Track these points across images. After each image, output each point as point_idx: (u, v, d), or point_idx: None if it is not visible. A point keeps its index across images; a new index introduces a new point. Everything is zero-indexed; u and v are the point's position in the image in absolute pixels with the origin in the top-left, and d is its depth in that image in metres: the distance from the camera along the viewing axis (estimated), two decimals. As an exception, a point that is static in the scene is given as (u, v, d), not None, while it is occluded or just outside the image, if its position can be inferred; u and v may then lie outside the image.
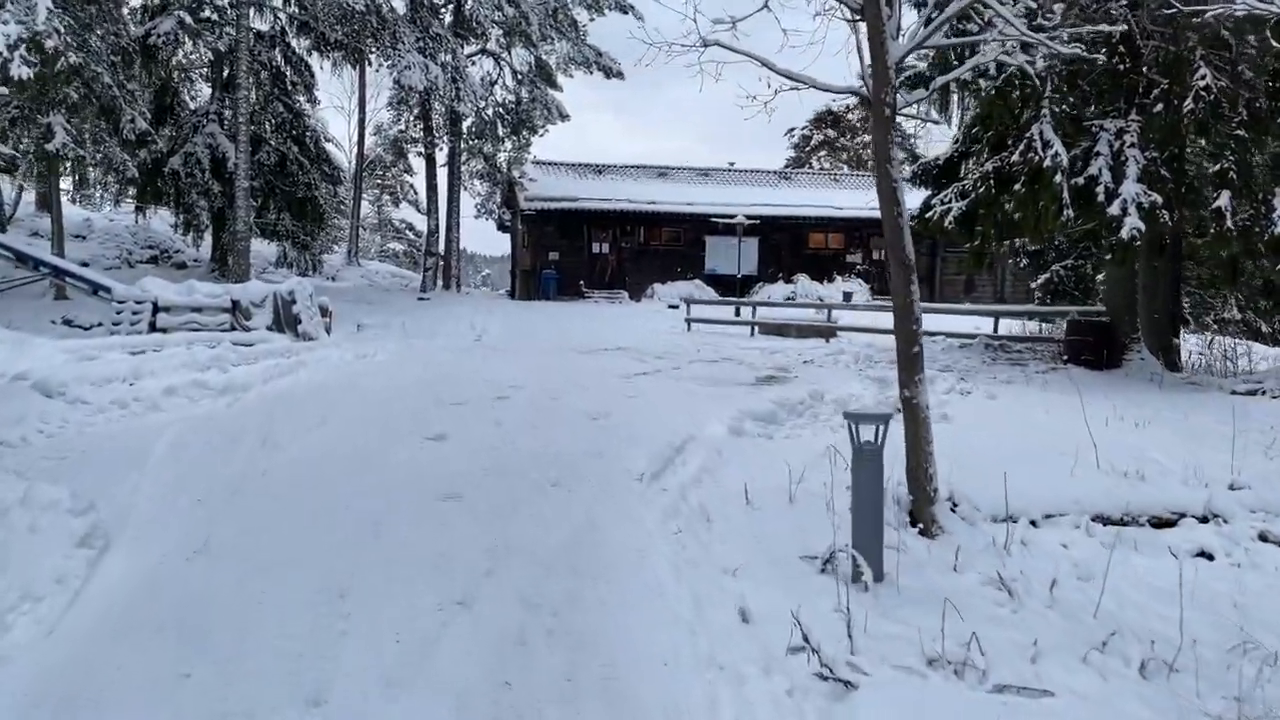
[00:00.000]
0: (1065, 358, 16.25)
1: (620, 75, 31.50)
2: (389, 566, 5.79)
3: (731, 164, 38.55)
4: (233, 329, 18.53)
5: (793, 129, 48.62)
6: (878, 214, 28.83)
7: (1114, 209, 13.99)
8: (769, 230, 33.06)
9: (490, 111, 30.87)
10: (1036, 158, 13.93)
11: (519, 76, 31.17)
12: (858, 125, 47.57)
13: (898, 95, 7.41)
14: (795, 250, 34.29)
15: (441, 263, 33.25)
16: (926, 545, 6.64)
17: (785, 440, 9.88)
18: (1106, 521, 7.84)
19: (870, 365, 16.83)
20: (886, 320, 22.60)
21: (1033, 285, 22.39)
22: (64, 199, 37.18)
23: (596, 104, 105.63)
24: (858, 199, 35.73)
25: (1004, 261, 36.04)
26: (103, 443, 8.27)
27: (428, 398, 11.77)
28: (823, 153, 47.76)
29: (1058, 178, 13.68)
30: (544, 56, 31.14)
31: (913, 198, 31.71)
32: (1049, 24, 7.92)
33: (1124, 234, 13.73)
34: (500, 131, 30.87)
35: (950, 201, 16.16)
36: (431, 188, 32.31)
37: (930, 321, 21.96)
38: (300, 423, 9.64)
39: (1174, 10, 9.09)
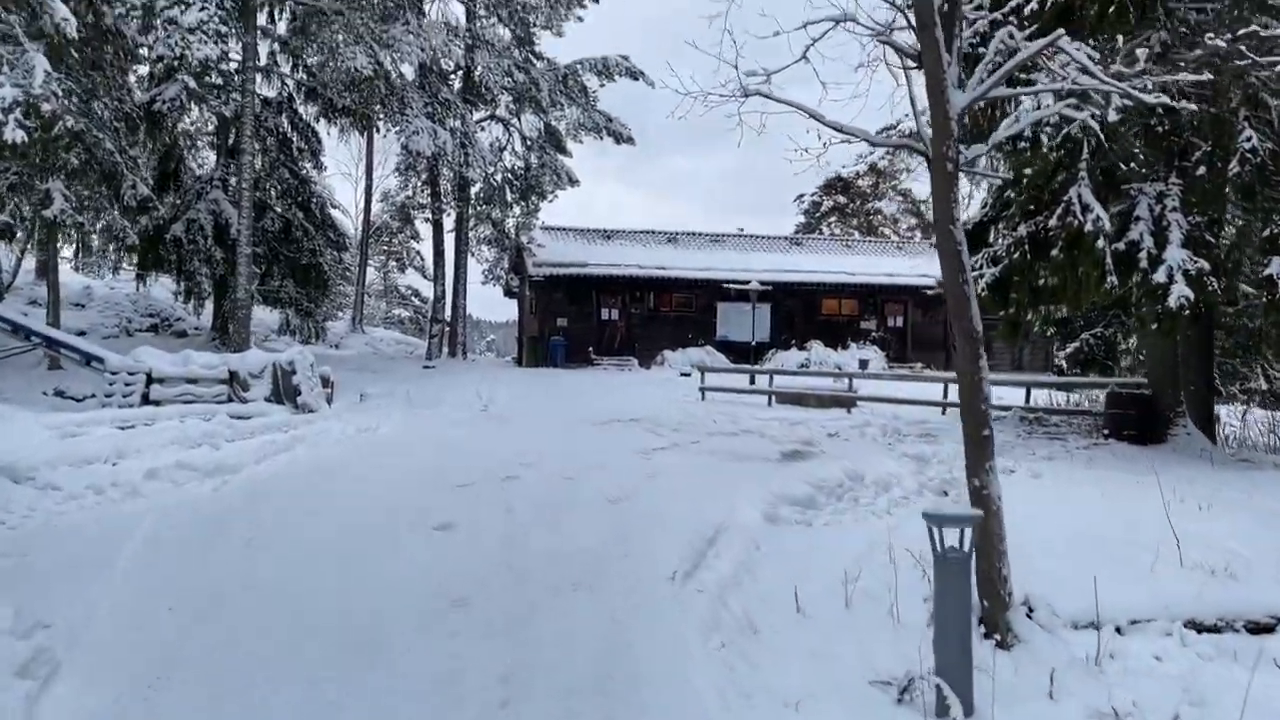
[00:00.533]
0: (1106, 432, 15.37)
1: (630, 141, 31.12)
2: (388, 696, 4.91)
3: (741, 229, 38.05)
4: (229, 400, 17.78)
5: (802, 195, 48.41)
6: (892, 280, 28.47)
7: (1159, 276, 13.25)
8: (781, 296, 32.43)
9: (499, 177, 30.41)
10: (1076, 222, 13.23)
11: (528, 142, 30.77)
12: (867, 192, 47.26)
13: (959, 150, 6.64)
14: (808, 316, 33.60)
15: (447, 329, 32.56)
16: (1012, 663, 5.72)
17: (825, 528, 8.99)
18: (1200, 628, 6.92)
19: (900, 439, 15.96)
20: (909, 390, 21.88)
21: (1060, 355, 21.59)
22: (66, 266, 36.71)
23: (601, 171, 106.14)
24: (871, 265, 35.23)
25: (1025, 328, 35.40)
26: (69, 537, 7.40)
27: (432, 478, 10.92)
28: (833, 219, 47.33)
29: (1100, 243, 12.96)
30: (554, 123, 30.79)
31: (937, 264, 31.14)
32: (1129, 71, 7.22)
33: (1171, 302, 12.97)
34: (509, 197, 30.37)
35: (982, 268, 15.44)
36: (438, 253, 31.75)
37: (956, 393, 21.20)
38: (291, 510, 8.78)
39: (1248, 61, 8.40)
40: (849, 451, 14.16)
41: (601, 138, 30.96)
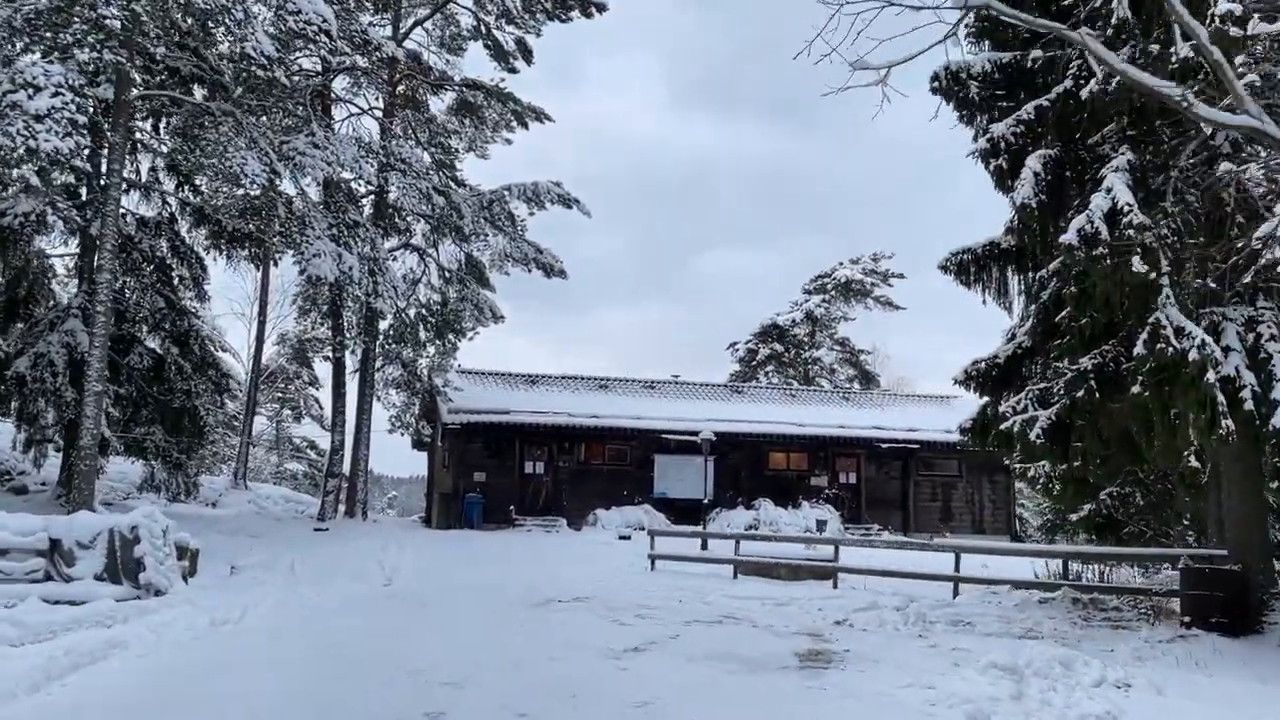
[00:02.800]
0: (1187, 619, 12.12)
1: (562, 274, 28.00)
2: None
3: (676, 376, 35.00)
4: (48, 579, 13.43)
5: (736, 343, 45.75)
6: (844, 432, 24.85)
7: (1279, 419, 10.34)
8: (725, 449, 28.89)
9: (412, 312, 26.83)
10: (1169, 350, 10.29)
11: (446, 274, 27.40)
12: (804, 340, 44.90)
13: None
14: (755, 471, 30.20)
15: (345, 485, 28.23)
16: None
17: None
18: None
19: (928, 627, 12.51)
20: (894, 559, 18.50)
21: (1072, 517, 18.47)
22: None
23: (515, 327, 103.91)
24: (820, 415, 32.35)
25: (981, 487, 32.61)
26: None
27: (304, 716, 7.00)
28: (770, 368, 44.70)
29: (1209, 376, 9.99)
30: (476, 253, 27.60)
31: (889, 416, 28.09)
32: None
33: (1302, 451, 10.04)
34: (423, 335, 26.76)
35: (1028, 409, 12.39)
36: (339, 396, 27.65)
37: (975, 563, 17.89)
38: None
39: None
40: (882, 650, 10.65)
41: (530, 270, 27.77)
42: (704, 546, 22.07)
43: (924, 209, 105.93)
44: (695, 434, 27.00)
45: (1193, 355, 10.04)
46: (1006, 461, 25.58)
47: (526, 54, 28.39)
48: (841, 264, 44.39)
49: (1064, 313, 11.86)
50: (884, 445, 31.04)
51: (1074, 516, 18.47)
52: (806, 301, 44.43)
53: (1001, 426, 12.19)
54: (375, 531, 25.76)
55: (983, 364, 13.44)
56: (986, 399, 13.54)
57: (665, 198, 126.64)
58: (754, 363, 44.50)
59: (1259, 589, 12.18)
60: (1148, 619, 13.02)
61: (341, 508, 28.16)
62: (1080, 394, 11.41)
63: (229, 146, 19.50)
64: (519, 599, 14.42)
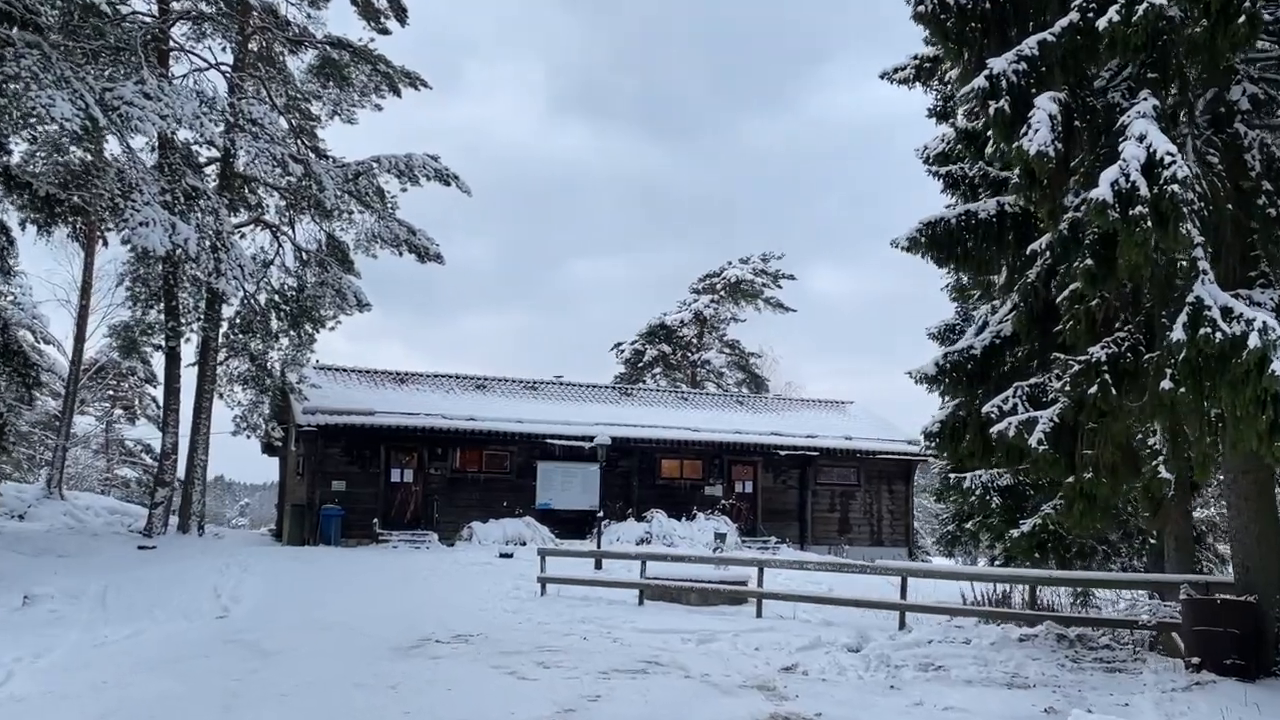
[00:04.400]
0: (1196, 660, 10.21)
1: (438, 259, 24.93)
2: None
3: (559, 377, 32.33)
4: None
5: (621, 344, 43.18)
6: (741, 438, 22.24)
7: (1339, 422, 8.45)
8: (614, 455, 26.20)
9: (263, 297, 23.39)
10: (1217, 335, 8.28)
11: (304, 255, 24.05)
12: (693, 342, 42.76)
13: None
14: (646, 480, 27.77)
15: (179, 494, 24.47)
16: None
17: None
18: None
19: (894, 674, 10.29)
20: (813, 582, 16.40)
21: (1010, 534, 16.64)
22: None
23: (385, 332, 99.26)
24: (714, 420, 30.20)
25: (880, 497, 31.04)
26: None
27: None
28: (657, 370, 42.33)
29: (1274, 366, 8.00)
30: (339, 232, 24.36)
31: (786, 421, 25.93)
32: None
33: (1375, 460, 8.18)
34: (275, 323, 23.32)
35: (1018, 410, 10.29)
36: (172, 393, 23.75)
37: (928, 588, 15.89)
38: None
39: None
40: (861, 713, 8.35)
41: (401, 253, 24.58)
42: (598, 566, 19.58)
43: (794, 222, 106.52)
44: (583, 439, 24.51)
45: (1252, 341, 8.05)
46: (937, 469, 23.92)
47: (400, 12, 25.30)
48: (731, 263, 42.48)
49: (1066, 292, 9.80)
50: (782, 453, 29.08)
51: (1015, 533, 16.68)
52: (695, 301, 42.36)
53: (994, 430, 10.02)
54: (214, 549, 22.22)
55: (955, 355, 11.31)
56: (958, 399, 11.40)
57: (535, 204, 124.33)
58: (640, 364, 42.11)
59: (1275, 622, 10.39)
60: (1140, 658, 11.13)
61: (174, 521, 24.40)
62: (1096, 390, 9.33)
63: (32, 83, 15.95)
64: (387, 641, 11.61)
